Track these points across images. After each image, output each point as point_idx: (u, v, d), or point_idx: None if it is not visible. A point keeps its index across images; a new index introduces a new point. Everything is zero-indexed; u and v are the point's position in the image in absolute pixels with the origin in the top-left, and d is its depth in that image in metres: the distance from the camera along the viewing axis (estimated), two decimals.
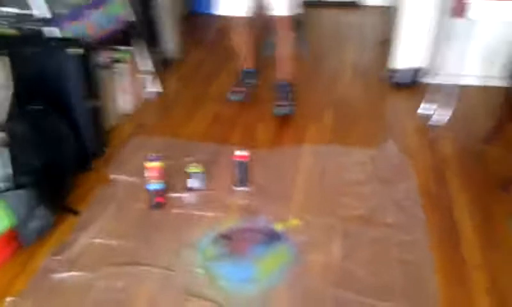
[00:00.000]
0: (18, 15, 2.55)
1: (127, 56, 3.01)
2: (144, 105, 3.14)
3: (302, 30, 3.69)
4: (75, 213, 2.15)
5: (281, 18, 2.75)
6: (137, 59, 3.13)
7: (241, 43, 3.00)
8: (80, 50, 2.35)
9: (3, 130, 1.90)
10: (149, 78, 3.25)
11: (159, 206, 2.20)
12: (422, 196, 2.22)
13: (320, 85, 3.35)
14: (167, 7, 3.62)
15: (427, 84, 3.12)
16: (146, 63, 3.21)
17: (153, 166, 2.24)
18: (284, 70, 2.95)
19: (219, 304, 1.71)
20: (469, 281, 1.78)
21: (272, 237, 2.02)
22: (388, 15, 3.95)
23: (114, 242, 2.01)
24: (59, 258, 1.92)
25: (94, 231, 2.06)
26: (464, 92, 2.93)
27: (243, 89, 3.08)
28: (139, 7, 3.21)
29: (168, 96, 3.25)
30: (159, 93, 3.26)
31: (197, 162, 2.32)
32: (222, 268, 1.88)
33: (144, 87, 3.21)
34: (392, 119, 3.03)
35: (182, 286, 1.79)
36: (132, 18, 3.12)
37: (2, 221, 1.86)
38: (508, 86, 2.63)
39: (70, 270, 1.86)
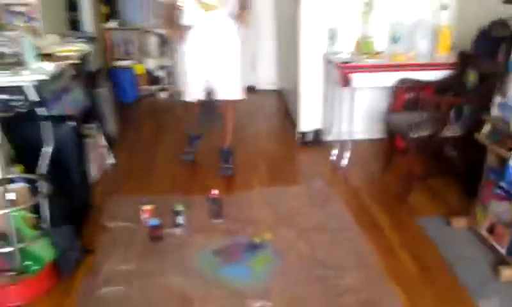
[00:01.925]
0: (7, 100, 3.01)
1: (92, 132, 3.55)
2: (107, 172, 3.66)
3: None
4: (91, 251, 2.61)
5: (231, 101, 3.60)
6: (97, 135, 3.68)
7: (192, 115, 3.77)
8: (74, 123, 2.90)
9: (45, 181, 2.37)
10: (105, 151, 3.78)
11: (158, 239, 2.76)
12: (348, 209, 3.09)
13: (249, 146, 4.19)
14: (107, 97, 4.25)
15: (327, 141, 4.14)
16: (102, 139, 3.76)
17: (148, 208, 2.84)
18: (227, 138, 3.73)
19: (235, 291, 2.32)
20: (393, 251, 2.64)
21: (254, 247, 2.70)
22: (281, 96, 5.02)
23: (132, 266, 2.52)
24: (94, 279, 2.37)
25: (113, 261, 2.55)
26: (357, 143, 3.96)
27: (192, 150, 3.80)
28: (89, 96, 3.80)
29: (123, 165, 3.80)
30: (113, 164, 3.80)
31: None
32: (224, 272, 2.50)
33: (105, 159, 3.73)
34: (308, 165, 3.96)
35: (201, 283, 2.37)
36: (88, 103, 3.69)
37: (48, 253, 2.29)
38: (386, 135, 3.72)
39: (107, 287, 2.33)
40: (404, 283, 2.38)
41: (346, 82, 3.58)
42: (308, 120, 4.26)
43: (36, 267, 2.24)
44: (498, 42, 3.01)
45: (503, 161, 2.60)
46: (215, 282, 2.41)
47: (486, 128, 2.68)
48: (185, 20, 3.38)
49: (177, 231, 2.86)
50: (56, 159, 2.77)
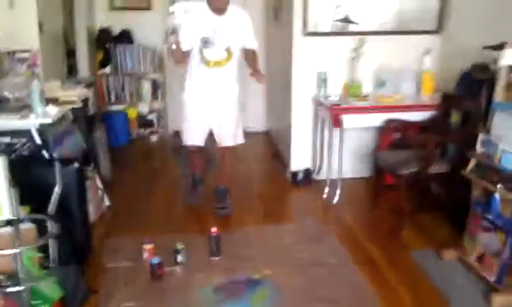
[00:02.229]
0: (9, 144, 3.09)
1: (90, 174, 3.63)
2: (104, 214, 3.71)
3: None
4: (96, 291, 2.65)
5: (231, 147, 3.69)
6: (94, 178, 3.76)
7: (195, 160, 3.88)
8: (78, 165, 2.99)
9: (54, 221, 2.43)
10: (101, 193, 3.85)
11: (159, 277, 2.81)
12: (342, 246, 3.20)
13: (242, 186, 4.29)
14: (102, 140, 4.35)
15: (318, 180, 4.28)
16: (98, 181, 3.84)
17: (149, 247, 2.91)
18: (225, 179, 3.82)
19: None
20: (388, 285, 2.74)
21: (255, 283, 2.77)
22: (269, 137, 5.17)
23: (136, 305, 2.57)
24: None
25: (117, 300, 2.59)
26: (346, 181, 4.10)
27: (196, 192, 3.89)
28: (87, 139, 3.90)
29: (119, 207, 3.86)
30: (108, 206, 3.86)
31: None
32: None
33: (102, 201, 3.79)
34: (300, 204, 4.07)
35: None
36: (86, 146, 3.78)
37: (56, 292, 2.33)
38: (374, 173, 3.88)
39: None
40: None
41: (338, 123, 3.75)
42: (298, 160, 4.40)
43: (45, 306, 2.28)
44: (480, 84, 3.21)
45: (488, 195, 2.76)
46: None
47: (472, 164, 2.85)
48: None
49: (178, 269, 2.92)
50: (60, 200, 2.84)
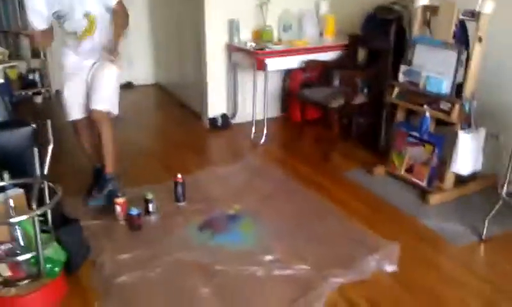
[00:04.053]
0: None
1: None
2: None
3: None
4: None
5: (104, 114, 2.97)
6: None
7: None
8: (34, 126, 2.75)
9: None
10: None
11: (139, 227, 2.83)
12: (285, 175, 3.55)
13: (165, 137, 4.33)
14: None
15: (235, 123, 4.54)
16: None
17: (122, 200, 2.89)
18: (108, 162, 3.06)
19: (243, 252, 2.59)
20: (335, 196, 3.19)
21: (233, 217, 2.97)
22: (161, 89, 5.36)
23: (131, 255, 2.57)
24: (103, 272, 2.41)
25: (109, 253, 2.56)
26: (260, 122, 4.38)
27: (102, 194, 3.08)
28: None
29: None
30: None
31: None
32: (221, 240, 2.74)
33: None
34: (229, 146, 4.30)
35: (208, 252, 2.58)
36: None
37: (60, 254, 2.25)
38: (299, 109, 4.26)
39: (123, 275, 2.39)
40: (360, 217, 2.94)
41: (262, 66, 4.00)
42: (216, 106, 4.57)
43: (57, 269, 2.19)
44: (386, 24, 3.74)
45: (409, 115, 3.36)
46: (219, 249, 2.64)
47: (395, 91, 3.39)
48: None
49: (152, 217, 2.96)
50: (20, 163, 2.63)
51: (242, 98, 4.63)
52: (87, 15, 2.87)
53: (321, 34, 4.50)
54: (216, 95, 4.57)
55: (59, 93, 3.37)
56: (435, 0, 3.20)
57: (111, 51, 2.86)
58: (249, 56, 4.10)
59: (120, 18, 2.93)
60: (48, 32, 2.96)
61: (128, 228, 2.84)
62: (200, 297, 2.27)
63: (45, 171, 2.26)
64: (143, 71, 6.08)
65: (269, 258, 2.54)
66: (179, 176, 3.13)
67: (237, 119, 4.62)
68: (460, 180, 3.17)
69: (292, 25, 4.49)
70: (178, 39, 5.24)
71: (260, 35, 4.35)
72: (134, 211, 2.83)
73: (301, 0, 4.54)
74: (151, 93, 5.96)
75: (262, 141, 4.18)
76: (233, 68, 4.51)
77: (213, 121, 4.55)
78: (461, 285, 2.37)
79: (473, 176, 3.17)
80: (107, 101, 2.98)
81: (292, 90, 4.52)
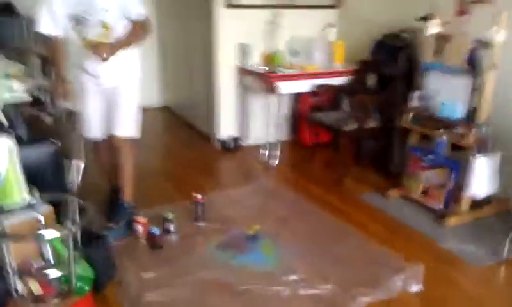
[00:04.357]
0: None
1: None
2: None
3: None
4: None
5: (126, 141, 2.97)
6: None
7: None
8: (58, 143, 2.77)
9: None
10: None
11: (160, 247, 2.83)
12: (300, 197, 3.58)
13: (176, 159, 4.35)
14: None
15: (246, 146, 4.58)
16: None
17: (143, 220, 2.89)
18: (126, 191, 3.05)
19: (266, 272, 2.60)
20: (351, 217, 3.22)
21: (253, 238, 2.98)
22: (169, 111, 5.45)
23: (154, 274, 2.56)
24: (128, 291, 2.40)
25: (133, 273, 2.56)
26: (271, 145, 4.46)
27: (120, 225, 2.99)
28: None
29: None
30: None
31: None
32: (242, 260, 2.75)
33: None
34: (241, 168, 4.32)
35: (231, 272, 2.58)
36: None
37: (88, 272, 2.23)
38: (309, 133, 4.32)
39: (148, 292, 2.39)
40: (379, 239, 2.96)
41: (273, 89, 4.07)
42: (226, 128, 4.61)
43: (86, 288, 2.17)
44: (395, 50, 3.84)
45: (423, 139, 3.43)
46: (242, 269, 2.64)
47: (408, 116, 3.46)
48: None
49: (173, 237, 2.96)
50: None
51: (252, 121, 4.68)
52: (104, 24, 2.68)
53: (330, 59, 4.59)
54: (226, 117, 4.62)
55: (70, 114, 3.34)
56: (448, 28, 3.30)
57: (110, 47, 2.64)
58: (261, 79, 4.17)
59: (137, 28, 2.77)
60: (69, 84, 2.82)
61: (150, 247, 2.83)
62: None
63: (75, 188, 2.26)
64: (151, 95, 6.13)
65: (293, 277, 2.55)
66: (199, 196, 3.14)
67: (247, 142, 4.67)
68: (475, 203, 3.22)
69: (299, 51, 4.57)
70: (187, 63, 5.31)
71: (271, 59, 4.42)
72: (156, 230, 2.84)
73: (309, 27, 4.64)
74: (159, 115, 6.01)
75: (272, 163, 4.21)
76: (243, 91, 4.57)
77: (224, 143, 4.59)
78: (486, 306, 2.40)
79: (488, 200, 3.22)
80: (128, 127, 2.95)
81: (302, 113, 4.59)
